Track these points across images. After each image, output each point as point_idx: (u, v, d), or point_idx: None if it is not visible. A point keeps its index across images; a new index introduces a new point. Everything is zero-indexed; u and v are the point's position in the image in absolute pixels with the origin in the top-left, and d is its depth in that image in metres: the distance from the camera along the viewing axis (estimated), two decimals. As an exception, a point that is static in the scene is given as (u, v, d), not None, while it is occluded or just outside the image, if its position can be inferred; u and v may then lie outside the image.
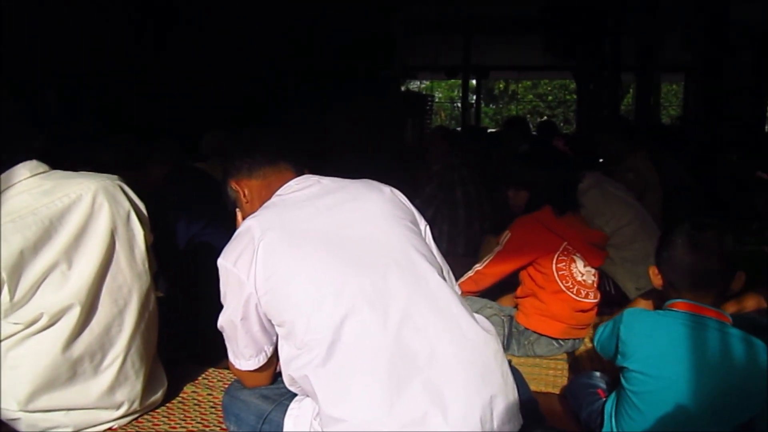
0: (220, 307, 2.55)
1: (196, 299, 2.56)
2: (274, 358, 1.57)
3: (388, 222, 1.50)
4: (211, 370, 2.26)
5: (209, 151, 3.82)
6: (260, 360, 1.56)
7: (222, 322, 1.55)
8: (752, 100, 9.78)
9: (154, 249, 1.86)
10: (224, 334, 1.57)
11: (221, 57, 5.36)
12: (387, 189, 1.62)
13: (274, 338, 1.53)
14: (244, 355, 1.55)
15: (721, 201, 4.98)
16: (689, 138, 6.02)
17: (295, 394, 1.56)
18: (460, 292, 1.53)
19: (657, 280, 1.71)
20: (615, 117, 7.30)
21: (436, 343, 1.32)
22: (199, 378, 2.20)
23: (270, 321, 1.47)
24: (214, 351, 2.41)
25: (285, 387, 1.61)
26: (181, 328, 2.42)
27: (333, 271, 1.38)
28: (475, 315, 1.45)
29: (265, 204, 1.58)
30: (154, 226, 1.86)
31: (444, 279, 1.47)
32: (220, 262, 1.48)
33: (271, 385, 1.67)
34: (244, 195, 1.70)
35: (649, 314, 1.66)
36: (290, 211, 1.51)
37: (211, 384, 2.15)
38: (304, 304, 1.36)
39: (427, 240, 1.60)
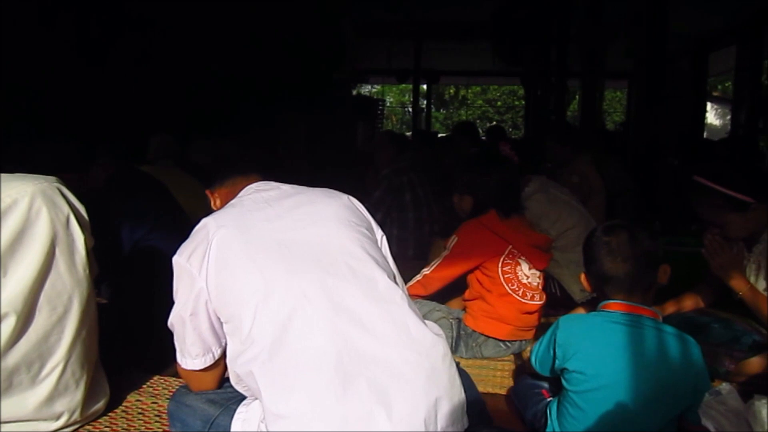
0: (167, 312, 2.50)
1: (140, 305, 2.51)
2: (222, 361, 1.57)
3: (343, 227, 1.53)
4: (156, 377, 2.21)
5: (156, 154, 3.75)
6: (207, 360, 1.55)
7: (172, 318, 1.55)
8: (691, 106, 10.15)
9: (95, 254, 1.81)
10: (174, 332, 1.57)
11: (168, 59, 5.26)
12: (344, 197, 1.67)
13: (223, 341, 1.52)
14: (191, 353, 1.55)
15: (662, 204, 5.15)
16: (632, 143, 6.21)
17: (243, 398, 1.55)
18: (409, 296, 1.54)
19: (587, 285, 1.78)
20: (560, 122, 7.46)
21: (383, 345, 1.33)
22: (144, 386, 2.15)
23: (220, 321, 1.47)
24: (160, 358, 2.38)
25: (232, 391, 1.60)
26: (124, 334, 2.37)
27: (283, 269, 1.40)
28: (424, 318, 1.47)
29: (225, 204, 1.64)
30: (96, 230, 1.80)
31: (394, 283, 1.48)
32: (175, 258, 1.51)
33: (218, 389, 1.65)
34: (215, 203, 1.77)
35: (584, 316, 1.72)
36: (247, 211, 1.54)
37: (156, 392, 2.11)
38: (251, 299, 1.37)
39: (382, 248, 1.63)
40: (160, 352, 2.43)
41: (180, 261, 1.49)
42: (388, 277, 1.47)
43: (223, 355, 1.54)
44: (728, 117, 13.01)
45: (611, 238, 1.69)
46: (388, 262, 1.58)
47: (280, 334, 1.32)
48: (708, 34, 10.01)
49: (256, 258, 1.41)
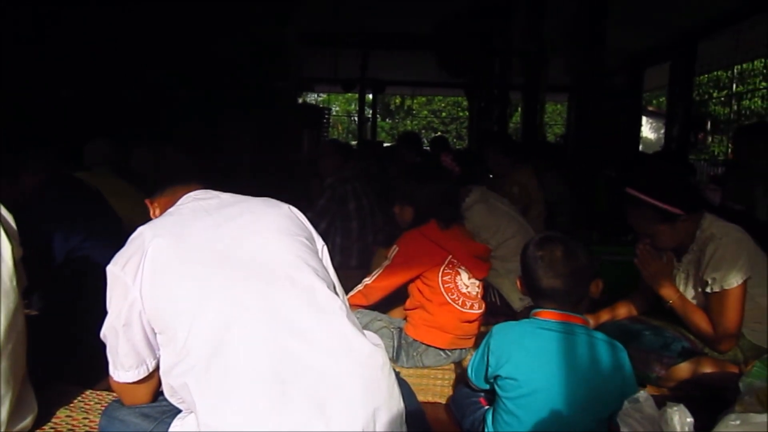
0: (100, 324, 2.43)
1: (73, 317, 2.43)
2: (156, 374, 1.53)
3: (282, 237, 1.51)
4: (88, 392, 2.14)
5: (92, 160, 3.63)
6: (140, 372, 1.51)
7: (105, 329, 1.50)
8: (628, 119, 10.50)
9: (25, 264, 1.75)
10: (106, 344, 1.53)
11: (106, 62, 5.12)
12: (285, 206, 1.65)
13: (157, 353, 1.48)
14: (124, 365, 1.50)
15: (599, 215, 5.30)
16: (571, 155, 6.37)
17: (178, 411, 1.52)
18: (349, 307, 1.54)
19: (523, 290, 1.83)
20: (501, 134, 7.62)
21: (321, 355, 1.32)
22: (75, 401, 2.07)
23: (154, 332, 1.43)
24: (92, 371, 2.30)
25: (167, 404, 1.56)
26: (55, 347, 2.28)
27: (220, 278, 1.38)
28: (364, 329, 1.47)
29: (163, 213, 1.61)
30: (25, 239, 1.74)
31: (334, 293, 1.48)
32: (109, 267, 1.47)
33: (152, 402, 1.61)
34: (154, 213, 1.73)
35: (516, 324, 1.76)
36: (185, 220, 1.52)
37: (87, 407, 2.04)
38: (187, 309, 1.34)
39: (323, 258, 1.62)
40: (93, 366, 2.35)
41: (114, 270, 1.45)
42: (328, 287, 1.47)
43: (158, 367, 1.50)
44: (662, 131, 13.52)
45: (545, 252, 1.73)
46: (328, 273, 1.57)
47: (216, 345, 1.30)
48: (643, 51, 10.39)
49: (193, 268, 1.39)
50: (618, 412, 1.37)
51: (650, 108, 17.77)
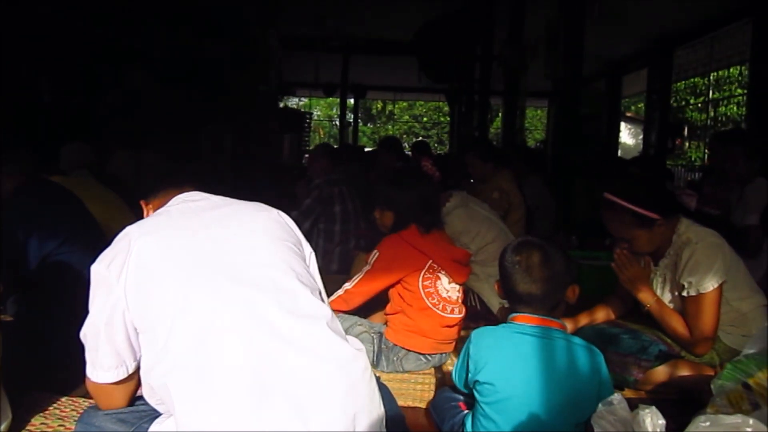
0: (77, 329, 2.39)
1: (48, 322, 2.40)
2: (135, 377, 1.51)
3: (269, 241, 1.51)
4: (63, 399, 2.11)
5: (69, 164, 3.60)
6: (120, 373, 1.47)
7: (85, 327, 1.48)
8: (607, 124, 10.63)
9: (-1, 269, 1.72)
10: (86, 343, 1.49)
11: (83, 65, 5.08)
12: (274, 211, 1.65)
13: (138, 355, 1.46)
14: (103, 365, 1.47)
15: (578, 219, 5.35)
16: (551, 159, 6.44)
17: (156, 416, 1.50)
18: (332, 312, 1.54)
19: (501, 294, 1.84)
20: (481, 139, 7.67)
21: (302, 358, 1.32)
22: (50, 408, 2.04)
23: (136, 332, 1.41)
24: (68, 378, 2.28)
25: (144, 409, 1.55)
26: (30, 353, 2.25)
27: (204, 280, 1.37)
28: (346, 334, 1.47)
29: (152, 214, 1.60)
30: (1, 243, 1.72)
31: (319, 299, 1.48)
32: (94, 266, 1.44)
33: (129, 407, 1.59)
34: (148, 214, 1.71)
35: (494, 329, 1.76)
36: (173, 221, 1.51)
37: (63, 414, 2.01)
38: (169, 308, 1.33)
39: (310, 265, 1.62)
40: (68, 372, 2.33)
41: (99, 269, 1.43)
42: (312, 292, 1.46)
43: (136, 370, 1.49)
44: (641, 136, 13.68)
45: (523, 257, 1.74)
46: (313, 278, 1.57)
47: (196, 347, 1.29)
48: (621, 58, 10.52)
49: (178, 268, 1.39)
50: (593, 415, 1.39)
51: (628, 114, 17.97)
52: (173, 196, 1.65)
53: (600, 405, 1.29)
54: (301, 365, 1.31)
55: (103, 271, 1.41)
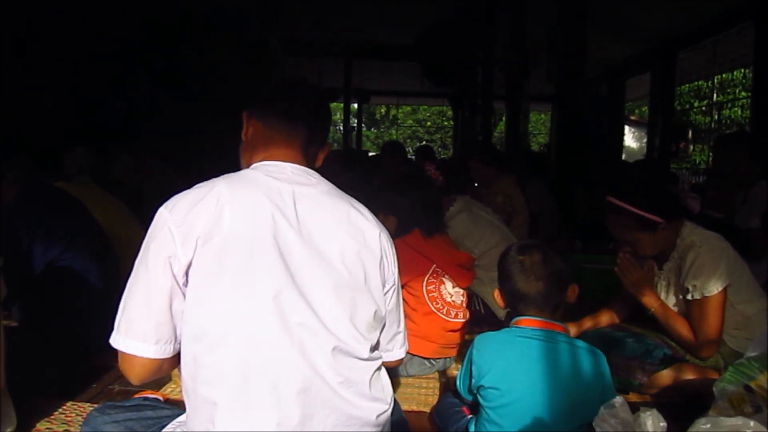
0: (82, 335, 2.40)
1: (53, 327, 2.41)
2: (175, 357, 1.31)
3: (350, 271, 1.32)
4: (69, 403, 2.12)
5: (73, 169, 3.60)
6: (166, 350, 1.27)
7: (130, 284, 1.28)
8: (609, 128, 10.62)
9: (3, 274, 1.73)
10: (124, 302, 1.28)
11: (87, 69, 5.10)
12: (377, 232, 1.42)
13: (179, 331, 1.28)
14: (148, 336, 1.25)
15: (581, 223, 5.34)
16: (554, 163, 6.43)
17: (163, 425, 1.49)
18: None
19: (500, 301, 1.84)
20: (484, 143, 7.67)
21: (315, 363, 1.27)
22: (55, 413, 2.05)
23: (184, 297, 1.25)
24: (74, 383, 2.29)
25: (151, 415, 1.54)
26: (35, 358, 2.26)
27: (272, 278, 1.22)
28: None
29: (251, 176, 1.36)
30: (4, 249, 1.72)
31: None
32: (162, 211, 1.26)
33: (135, 413, 1.58)
34: (246, 132, 1.47)
35: (497, 333, 1.77)
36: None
37: (68, 419, 2.01)
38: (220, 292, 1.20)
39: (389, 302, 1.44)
40: (73, 377, 2.34)
41: (167, 215, 1.24)
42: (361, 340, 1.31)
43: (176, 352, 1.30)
44: (645, 140, 13.67)
45: (525, 257, 1.76)
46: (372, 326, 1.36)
47: (224, 333, 1.19)
48: (624, 61, 10.52)
49: (245, 254, 1.22)
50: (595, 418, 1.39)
51: (632, 117, 17.97)
52: (277, 148, 1.43)
53: (602, 407, 1.28)
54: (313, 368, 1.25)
55: (179, 219, 1.24)
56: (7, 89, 4.31)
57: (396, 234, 2.57)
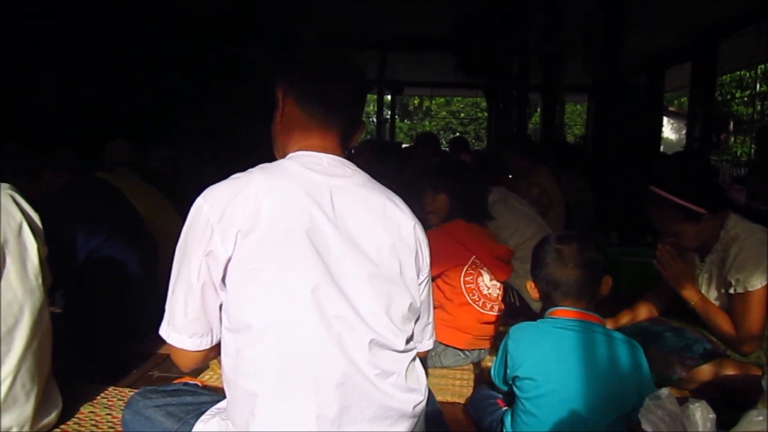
0: (120, 323, 2.46)
1: (94, 315, 2.47)
2: (216, 347, 1.34)
3: (384, 261, 1.32)
4: (111, 388, 2.17)
5: (113, 160, 3.68)
6: (203, 343, 1.31)
7: (173, 280, 1.29)
8: (648, 119, 10.42)
9: (49, 262, 1.77)
10: (169, 293, 1.30)
11: (125, 65, 5.19)
12: (412, 224, 1.40)
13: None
14: (187, 329, 1.29)
15: (619, 215, 5.26)
16: (590, 155, 6.33)
17: (202, 412, 1.52)
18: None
19: (534, 293, 1.84)
20: (519, 134, 7.58)
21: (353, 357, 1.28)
22: (98, 397, 2.10)
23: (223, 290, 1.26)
24: (115, 369, 2.34)
25: (191, 401, 1.57)
26: (79, 344, 2.32)
27: (310, 271, 1.22)
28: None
29: (288, 167, 1.33)
30: (49, 238, 1.76)
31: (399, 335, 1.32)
32: (200, 202, 1.26)
33: (175, 398, 1.61)
34: (282, 112, 1.42)
35: (532, 324, 1.76)
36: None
37: (110, 403, 2.06)
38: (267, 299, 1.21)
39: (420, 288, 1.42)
40: (115, 363, 2.40)
41: (205, 208, 1.24)
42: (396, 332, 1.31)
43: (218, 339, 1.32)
44: (684, 132, 13.38)
45: (563, 246, 1.76)
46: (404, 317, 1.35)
47: (268, 325, 1.20)
48: (663, 51, 10.30)
49: (288, 247, 1.22)
50: (636, 410, 1.36)
51: (671, 108, 17.61)
52: (313, 136, 1.39)
53: (647, 399, 1.26)
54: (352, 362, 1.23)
55: (221, 209, 1.23)
56: (50, 86, 4.42)
57: (446, 217, 2.56)
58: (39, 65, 4.43)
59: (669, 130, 18.66)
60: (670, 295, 2.46)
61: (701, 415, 1.21)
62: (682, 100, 17.42)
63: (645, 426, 1.22)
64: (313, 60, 1.44)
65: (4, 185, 1.68)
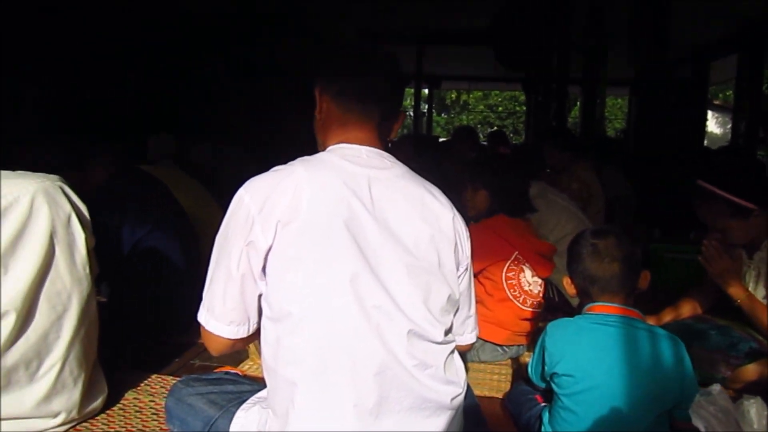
0: (162, 313, 2.51)
1: (140, 304, 2.52)
2: (254, 334, 1.37)
3: (424, 253, 1.32)
4: (154, 376, 2.22)
5: (156, 154, 3.75)
6: (240, 331, 1.33)
7: (212, 269, 1.33)
8: (692, 112, 10.17)
9: (96, 252, 1.82)
10: (209, 280, 1.33)
11: (167, 60, 5.28)
12: (451, 215, 1.40)
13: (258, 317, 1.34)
14: (225, 317, 1.31)
15: (662, 211, 5.15)
16: (632, 149, 6.22)
17: (243, 400, 1.54)
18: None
19: (571, 289, 1.82)
20: (559, 128, 7.48)
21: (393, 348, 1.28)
22: (141, 384, 2.15)
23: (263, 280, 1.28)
24: (158, 357, 2.40)
25: (232, 389, 1.60)
26: (123, 333, 2.38)
27: (349, 261, 1.23)
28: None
29: (327, 159, 1.35)
30: (97, 229, 1.81)
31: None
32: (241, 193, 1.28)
33: (216, 386, 1.63)
34: (320, 110, 1.45)
35: (571, 320, 1.74)
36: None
37: (153, 390, 2.11)
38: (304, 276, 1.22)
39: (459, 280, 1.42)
40: (158, 351, 2.46)
41: (248, 198, 1.26)
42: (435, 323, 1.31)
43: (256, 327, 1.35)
44: (729, 126, 13.03)
45: (598, 240, 1.74)
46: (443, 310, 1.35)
47: (313, 314, 1.21)
48: (709, 43, 10.03)
49: (329, 240, 1.23)
50: (679, 406, 1.34)
51: (716, 102, 17.16)
52: (352, 130, 1.42)
53: (698, 395, 1.24)
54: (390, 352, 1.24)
55: (265, 199, 1.25)
56: (95, 82, 4.52)
57: (487, 212, 2.54)
58: (86, 60, 4.54)
59: (714, 125, 18.21)
60: (716, 292, 2.40)
61: (756, 411, 1.18)
62: (728, 93, 16.97)
63: (696, 422, 1.20)
64: (346, 56, 1.47)
65: (54, 177, 1.72)
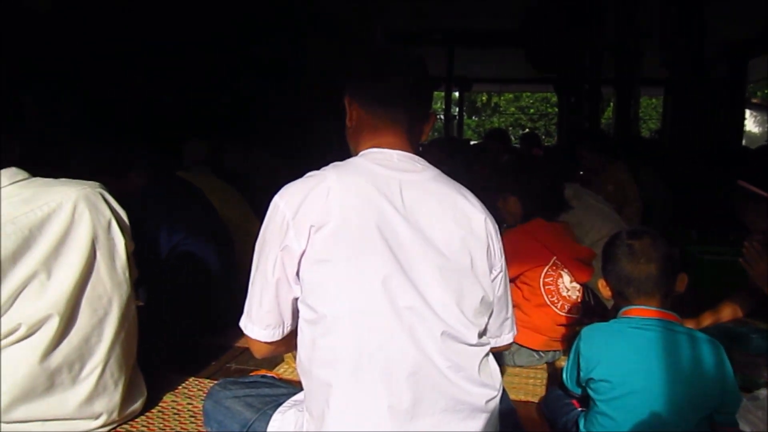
0: (199, 316, 2.54)
1: (176, 309, 2.56)
2: (291, 335, 1.39)
3: (457, 257, 1.33)
4: (191, 379, 2.25)
5: (191, 160, 3.80)
6: (275, 334, 1.37)
7: (253, 274, 1.36)
8: (729, 111, 9.96)
9: (134, 258, 1.86)
10: (250, 286, 1.37)
11: (200, 67, 5.36)
12: (483, 217, 1.40)
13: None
14: (261, 320, 1.35)
15: (700, 212, 5.05)
16: (668, 150, 6.11)
17: (279, 403, 1.55)
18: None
19: (606, 291, 1.79)
20: (593, 130, 7.38)
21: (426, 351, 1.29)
22: (179, 387, 2.18)
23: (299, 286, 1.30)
24: (195, 360, 2.43)
25: (268, 393, 1.62)
26: (161, 336, 2.42)
27: (381, 262, 1.24)
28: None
29: (358, 164, 1.37)
30: (135, 234, 1.85)
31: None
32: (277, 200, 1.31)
33: (254, 389, 1.66)
34: (350, 118, 1.47)
35: (605, 325, 1.72)
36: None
37: (191, 393, 2.14)
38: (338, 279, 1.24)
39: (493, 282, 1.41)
40: (196, 355, 2.49)
41: (282, 205, 1.29)
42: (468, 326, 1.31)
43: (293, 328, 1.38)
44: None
45: (634, 241, 1.71)
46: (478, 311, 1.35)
47: (342, 315, 1.23)
48: (746, 40, 9.82)
49: (362, 241, 1.24)
50: (719, 410, 1.31)
51: (754, 100, 16.77)
52: (381, 134, 1.44)
53: (745, 400, 1.21)
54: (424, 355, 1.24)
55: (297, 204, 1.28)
56: (132, 90, 4.61)
57: (522, 218, 2.52)
58: (123, 68, 4.64)
59: (752, 123, 17.80)
60: (757, 295, 2.34)
61: (802, 416, 1.16)
62: (766, 91, 16.58)
63: (743, 426, 1.18)
64: (372, 62, 1.48)
65: (95, 183, 1.76)
